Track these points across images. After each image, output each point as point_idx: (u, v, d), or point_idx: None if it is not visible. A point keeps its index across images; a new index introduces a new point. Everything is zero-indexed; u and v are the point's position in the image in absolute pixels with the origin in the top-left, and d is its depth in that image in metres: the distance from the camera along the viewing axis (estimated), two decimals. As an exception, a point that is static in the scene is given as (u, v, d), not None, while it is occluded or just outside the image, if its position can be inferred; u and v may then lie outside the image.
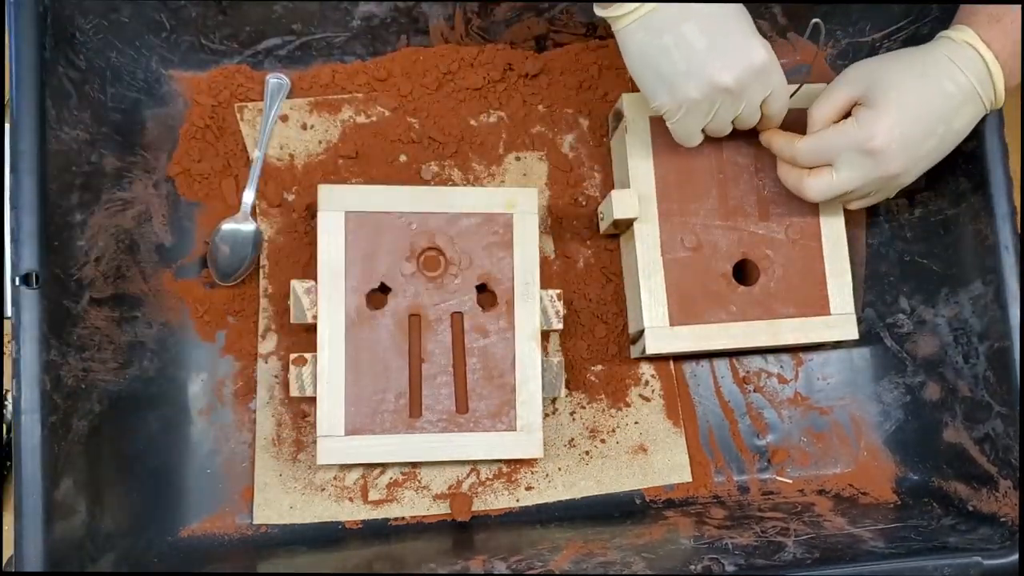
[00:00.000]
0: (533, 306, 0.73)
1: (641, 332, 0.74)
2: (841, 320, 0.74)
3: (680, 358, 0.79)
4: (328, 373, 0.70)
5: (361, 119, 0.79)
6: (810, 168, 0.68)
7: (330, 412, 0.70)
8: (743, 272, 0.76)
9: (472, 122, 0.80)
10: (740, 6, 0.63)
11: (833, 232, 0.75)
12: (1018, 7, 0.62)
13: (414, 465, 0.75)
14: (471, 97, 0.80)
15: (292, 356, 0.71)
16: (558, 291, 0.74)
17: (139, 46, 0.74)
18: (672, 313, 0.73)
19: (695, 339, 0.74)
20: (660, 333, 0.73)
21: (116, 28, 0.71)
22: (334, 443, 0.70)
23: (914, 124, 0.63)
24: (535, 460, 0.76)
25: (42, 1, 0.64)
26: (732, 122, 0.68)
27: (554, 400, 0.77)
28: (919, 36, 0.74)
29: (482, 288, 0.73)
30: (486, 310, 0.72)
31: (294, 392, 0.70)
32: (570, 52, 0.80)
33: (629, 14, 0.62)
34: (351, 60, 0.79)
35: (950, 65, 0.63)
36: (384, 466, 0.75)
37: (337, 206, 0.71)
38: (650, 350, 0.73)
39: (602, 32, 0.80)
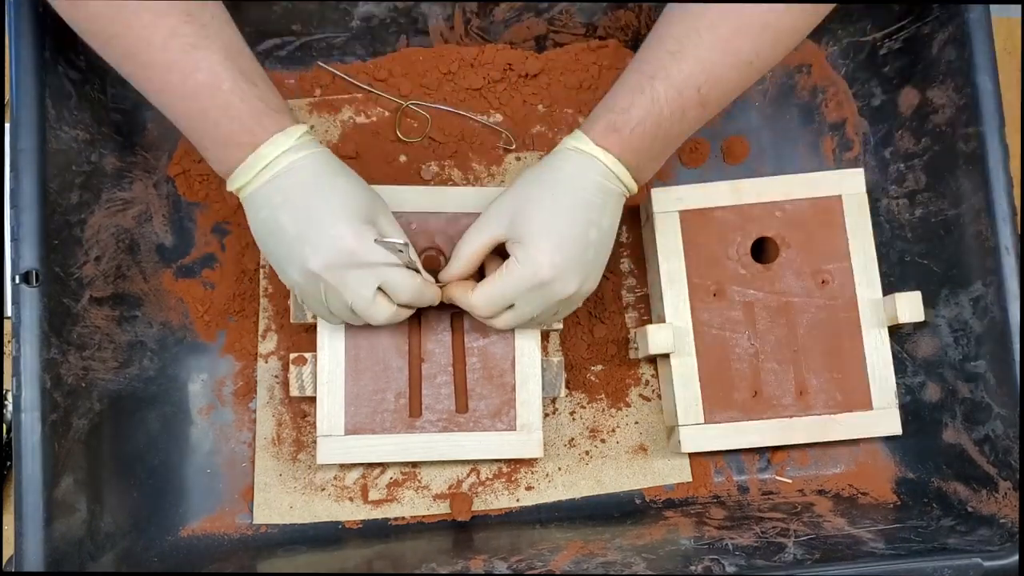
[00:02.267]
0: None
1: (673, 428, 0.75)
2: (883, 415, 0.74)
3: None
4: (328, 373, 0.70)
5: (361, 119, 0.79)
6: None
7: (330, 412, 0.70)
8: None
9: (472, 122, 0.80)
10: (346, 186, 0.61)
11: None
12: (642, 122, 0.62)
13: (414, 465, 0.75)
14: (471, 97, 0.80)
15: (292, 356, 0.71)
16: None
17: (140, 46, 0.74)
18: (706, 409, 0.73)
19: (734, 435, 0.73)
20: (694, 431, 0.73)
21: (117, 28, 0.71)
22: (334, 443, 0.70)
23: (570, 244, 0.62)
24: (535, 460, 0.76)
25: (42, 1, 0.64)
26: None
27: (554, 400, 0.77)
28: (919, 36, 0.74)
29: None
30: None
31: (294, 392, 0.70)
32: (570, 52, 0.80)
33: (243, 187, 0.61)
34: (351, 60, 0.79)
35: (577, 177, 0.63)
36: (384, 466, 0.75)
37: None
38: (685, 448, 0.73)
39: (602, 32, 0.80)
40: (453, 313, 0.72)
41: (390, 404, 0.71)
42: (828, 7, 0.65)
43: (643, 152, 0.64)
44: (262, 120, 0.59)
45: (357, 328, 0.70)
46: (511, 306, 0.65)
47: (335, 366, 0.70)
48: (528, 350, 0.72)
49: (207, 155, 0.62)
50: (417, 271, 0.64)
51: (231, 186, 0.62)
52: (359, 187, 0.63)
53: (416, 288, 0.63)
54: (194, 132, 0.61)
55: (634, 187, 0.65)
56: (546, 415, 0.77)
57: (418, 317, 0.72)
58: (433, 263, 0.72)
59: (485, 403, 0.72)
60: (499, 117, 0.80)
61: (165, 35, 0.57)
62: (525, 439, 0.72)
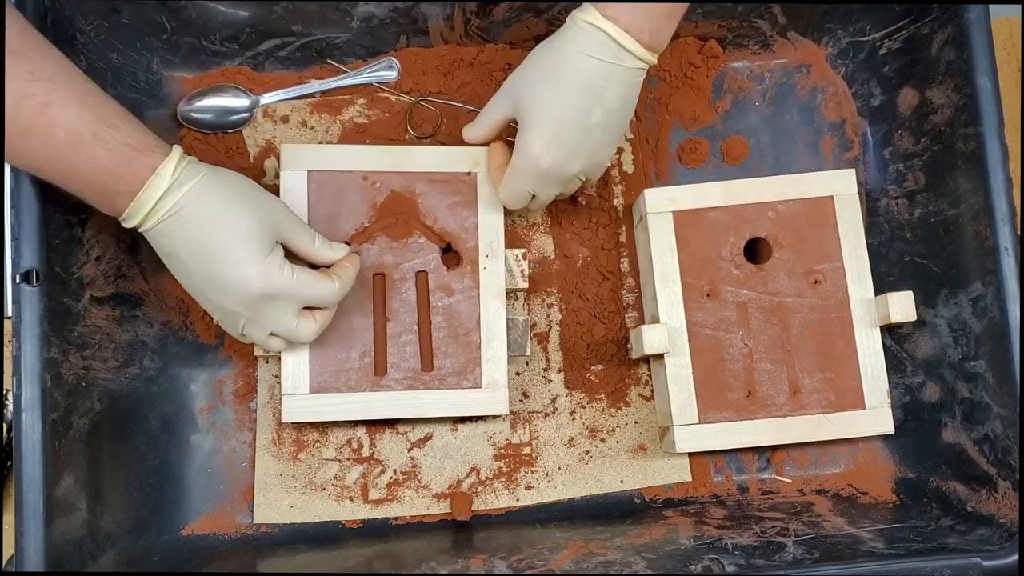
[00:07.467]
0: (498, 265, 0.73)
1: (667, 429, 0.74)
2: (876, 414, 0.74)
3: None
4: None
5: (361, 119, 0.79)
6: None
7: (294, 371, 0.70)
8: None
9: (472, 122, 0.80)
10: (237, 214, 0.61)
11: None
12: None
13: (414, 464, 0.75)
14: (472, 97, 0.79)
15: None
16: (523, 250, 0.74)
17: (140, 47, 0.74)
18: (700, 409, 0.73)
19: (728, 435, 0.73)
20: (688, 431, 0.73)
21: (117, 29, 0.71)
22: (299, 401, 0.70)
23: (567, 130, 0.64)
24: (535, 459, 0.76)
25: (42, 2, 0.64)
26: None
27: (554, 399, 0.77)
28: (919, 36, 0.74)
29: (447, 248, 0.73)
30: (451, 269, 0.73)
31: (258, 352, 0.71)
32: (570, 52, 0.80)
33: (137, 228, 0.61)
34: (351, 61, 0.79)
35: (581, 57, 0.63)
36: (384, 466, 0.75)
37: (299, 165, 0.72)
38: (680, 448, 0.73)
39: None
40: (418, 272, 0.72)
41: (355, 363, 0.71)
42: None
43: (652, 10, 0.62)
44: (131, 166, 0.58)
45: None
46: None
47: None
48: (493, 309, 0.72)
49: (94, 205, 0.61)
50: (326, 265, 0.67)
51: (127, 226, 0.61)
52: (251, 206, 0.62)
53: (333, 291, 0.65)
54: (71, 188, 0.60)
55: (647, 55, 0.63)
56: (545, 415, 0.77)
57: (383, 276, 0.72)
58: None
59: (451, 361, 0.72)
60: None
61: (15, 99, 0.55)
62: (491, 396, 0.72)
